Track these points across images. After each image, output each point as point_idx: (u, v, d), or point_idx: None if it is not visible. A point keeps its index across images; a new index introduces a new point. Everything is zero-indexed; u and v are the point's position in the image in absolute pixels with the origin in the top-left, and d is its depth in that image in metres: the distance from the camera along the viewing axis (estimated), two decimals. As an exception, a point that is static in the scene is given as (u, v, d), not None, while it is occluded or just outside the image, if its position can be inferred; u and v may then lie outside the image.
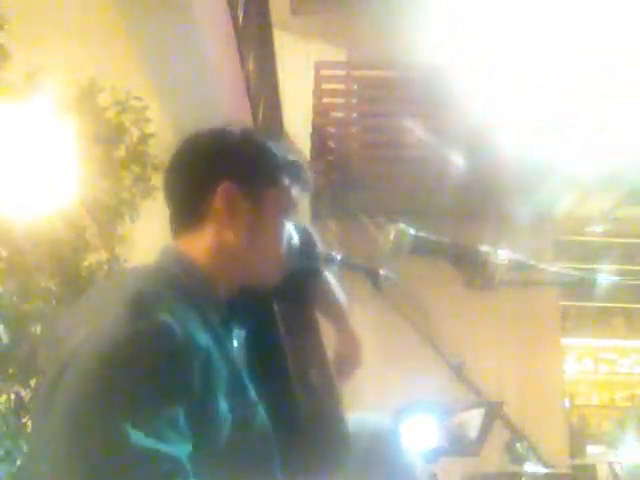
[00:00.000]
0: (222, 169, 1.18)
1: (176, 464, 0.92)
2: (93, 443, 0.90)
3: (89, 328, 0.99)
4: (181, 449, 0.93)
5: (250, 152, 1.22)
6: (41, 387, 1.03)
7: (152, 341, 0.96)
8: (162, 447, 0.91)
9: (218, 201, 1.15)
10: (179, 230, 1.19)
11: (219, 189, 1.15)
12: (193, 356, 0.99)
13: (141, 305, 1.00)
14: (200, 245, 1.16)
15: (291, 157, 1.26)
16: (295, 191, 1.25)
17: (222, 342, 1.10)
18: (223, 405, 1.03)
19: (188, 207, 1.19)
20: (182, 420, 0.95)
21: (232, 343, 1.16)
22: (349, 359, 1.70)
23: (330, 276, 1.71)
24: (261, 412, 1.12)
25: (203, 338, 1.03)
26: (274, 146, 1.25)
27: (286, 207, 1.23)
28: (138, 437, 0.89)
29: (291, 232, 1.27)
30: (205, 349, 1.02)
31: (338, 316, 1.72)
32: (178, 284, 1.10)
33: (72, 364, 0.95)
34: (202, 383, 1.00)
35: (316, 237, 1.54)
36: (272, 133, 6.33)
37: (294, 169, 1.25)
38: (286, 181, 1.23)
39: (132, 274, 1.18)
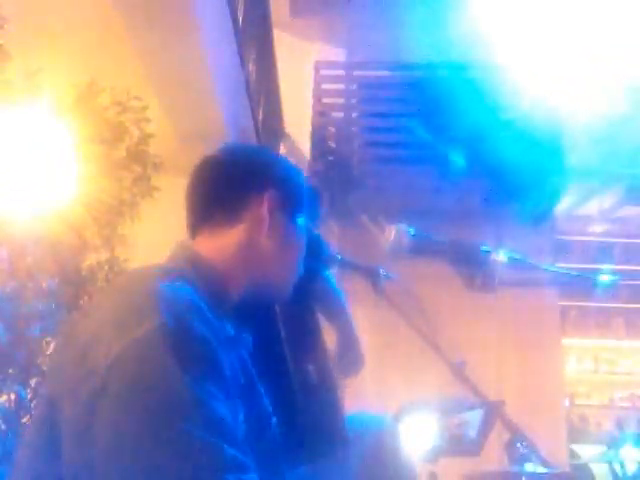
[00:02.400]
0: (272, 179, 1.20)
1: (235, 458, 0.93)
2: (160, 446, 0.90)
3: (127, 337, 0.96)
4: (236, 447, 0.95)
5: (295, 174, 1.27)
6: (65, 393, 0.99)
7: (191, 347, 0.96)
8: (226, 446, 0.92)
9: (262, 206, 1.16)
10: (199, 228, 1.18)
11: (266, 195, 1.16)
12: (224, 361, 0.99)
13: (173, 311, 0.99)
14: (222, 246, 1.15)
15: (310, 187, 1.31)
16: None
17: (237, 348, 1.10)
18: (240, 414, 1.03)
19: (223, 206, 1.18)
20: (233, 419, 0.97)
21: (244, 350, 1.16)
22: (350, 360, 1.71)
23: (331, 276, 1.71)
24: (274, 425, 1.11)
25: (225, 345, 1.03)
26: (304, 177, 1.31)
27: (304, 240, 1.26)
28: (202, 434, 0.90)
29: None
30: (228, 355, 1.02)
31: (339, 317, 1.73)
32: (194, 287, 1.08)
33: (118, 372, 0.94)
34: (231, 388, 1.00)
35: (324, 240, 1.55)
36: (272, 133, 6.33)
37: (313, 199, 1.33)
38: (306, 216, 1.26)
39: (148, 275, 1.14)
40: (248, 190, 1.17)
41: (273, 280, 1.20)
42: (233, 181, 1.18)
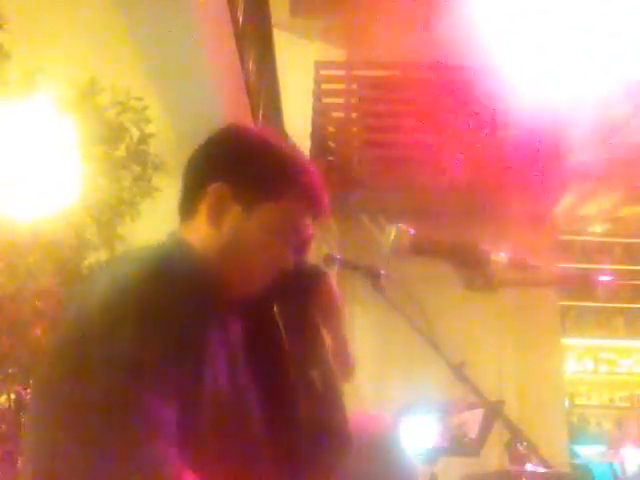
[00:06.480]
0: (222, 169, 1.18)
1: (163, 422, 0.94)
2: (89, 393, 0.91)
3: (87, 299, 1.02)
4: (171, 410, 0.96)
5: (258, 160, 1.19)
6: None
7: (152, 309, 0.99)
8: (157, 405, 0.93)
9: (208, 198, 1.16)
10: (181, 217, 1.22)
11: (212, 187, 1.15)
12: (187, 322, 1.01)
13: (144, 269, 1.03)
14: (194, 236, 1.18)
15: (307, 177, 1.20)
16: (302, 214, 1.19)
17: (215, 324, 1.09)
18: (212, 383, 1.04)
19: (186, 198, 1.20)
20: (176, 383, 0.97)
21: (227, 330, 1.15)
22: (339, 364, 1.70)
23: (332, 279, 1.70)
24: (249, 400, 1.11)
25: (196, 312, 1.04)
26: (292, 158, 1.21)
27: (285, 228, 1.18)
28: (136, 389, 0.92)
29: (290, 260, 1.19)
30: (198, 322, 1.03)
31: (332, 320, 1.72)
32: (174, 263, 1.10)
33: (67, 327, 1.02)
34: (196, 355, 1.02)
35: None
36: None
37: (306, 191, 1.19)
38: (291, 202, 1.17)
39: (133, 251, 1.20)
40: (200, 184, 1.17)
41: (231, 274, 1.17)
42: (187, 179, 1.21)
